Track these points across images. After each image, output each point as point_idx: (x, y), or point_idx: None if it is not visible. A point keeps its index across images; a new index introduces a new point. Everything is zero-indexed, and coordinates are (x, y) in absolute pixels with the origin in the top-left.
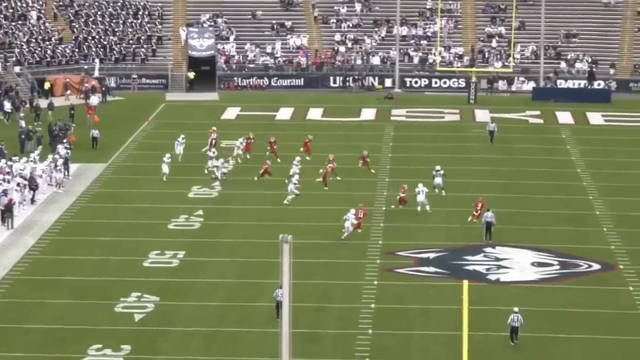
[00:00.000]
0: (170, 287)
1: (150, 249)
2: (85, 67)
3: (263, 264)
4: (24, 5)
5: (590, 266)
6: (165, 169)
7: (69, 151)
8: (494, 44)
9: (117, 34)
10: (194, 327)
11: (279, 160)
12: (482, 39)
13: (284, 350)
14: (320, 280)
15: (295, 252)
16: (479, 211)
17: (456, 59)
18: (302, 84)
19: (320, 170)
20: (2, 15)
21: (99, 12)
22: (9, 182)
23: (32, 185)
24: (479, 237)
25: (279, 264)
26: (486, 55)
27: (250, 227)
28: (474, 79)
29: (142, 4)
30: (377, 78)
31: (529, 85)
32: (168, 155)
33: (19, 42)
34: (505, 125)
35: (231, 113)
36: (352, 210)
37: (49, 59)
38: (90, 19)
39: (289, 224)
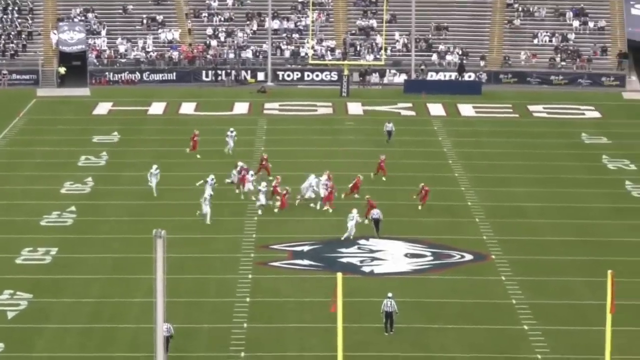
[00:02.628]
0: (43, 284)
1: (22, 246)
2: None
3: (137, 259)
4: None
5: (462, 257)
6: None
7: None
8: (365, 36)
9: None
10: (69, 323)
11: (198, 156)
12: (353, 32)
13: (158, 346)
14: (194, 275)
15: (168, 247)
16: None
17: (328, 52)
18: (175, 78)
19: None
20: None
21: None
22: None
23: None
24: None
25: (152, 259)
26: (358, 48)
27: (123, 222)
28: (346, 72)
29: None
30: (249, 72)
31: (401, 78)
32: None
33: None
34: (378, 118)
35: (103, 108)
36: (355, 210)
37: None
38: None
39: (162, 219)
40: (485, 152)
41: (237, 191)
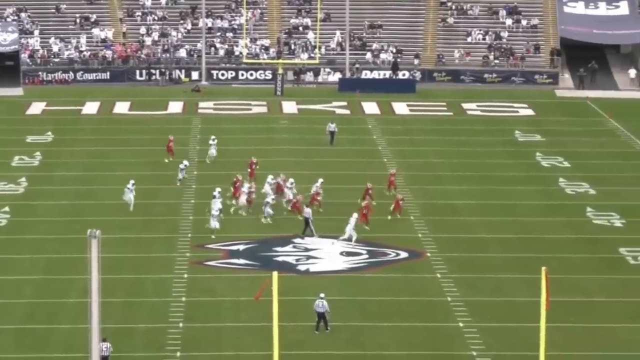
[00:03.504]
0: None
1: None
2: None
3: (71, 259)
4: None
5: (398, 254)
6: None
7: None
8: (299, 35)
9: None
10: (3, 324)
11: (171, 158)
12: (287, 30)
13: (93, 346)
14: (130, 275)
15: (103, 247)
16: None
17: (262, 50)
18: (108, 77)
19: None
20: None
21: None
22: None
23: None
24: (288, 229)
25: (87, 259)
26: (292, 47)
27: (58, 222)
28: (280, 71)
29: None
30: (183, 71)
31: (335, 77)
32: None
33: None
34: (312, 117)
35: (36, 108)
36: (355, 215)
37: None
38: None
39: (97, 219)
40: (420, 150)
41: (233, 202)
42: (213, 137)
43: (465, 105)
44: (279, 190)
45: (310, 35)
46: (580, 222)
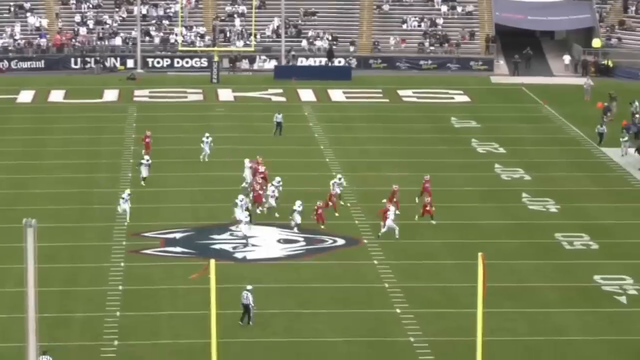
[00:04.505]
0: None
1: None
2: None
3: (6, 249)
4: None
5: (335, 241)
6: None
7: None
8: (235, 22)
9: None
10: None
11: (147, 157)
12: (223, 18)
13: (30, 336)
14: (66, 264)
15: (39, 236)
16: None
17: (198, 38)
18: (43, 66)
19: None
20: None
21: None
22: None
23: None
24: (225, 216)
25: (23, 249)
26: (228, 35)
27: None
28: (216, 59)
29: None
30: (118, 59)
31: (271, 64)
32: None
33: None
34: (248, 104)
35: None
36: (393, 208)
37: None
38: None
39: (32, 207)
40: (356, 137)
41: (258, 210)
42: (207, 134)
43: (401, 92)
44: (254, 174)
45: (239, 22)
46: (516, 208)
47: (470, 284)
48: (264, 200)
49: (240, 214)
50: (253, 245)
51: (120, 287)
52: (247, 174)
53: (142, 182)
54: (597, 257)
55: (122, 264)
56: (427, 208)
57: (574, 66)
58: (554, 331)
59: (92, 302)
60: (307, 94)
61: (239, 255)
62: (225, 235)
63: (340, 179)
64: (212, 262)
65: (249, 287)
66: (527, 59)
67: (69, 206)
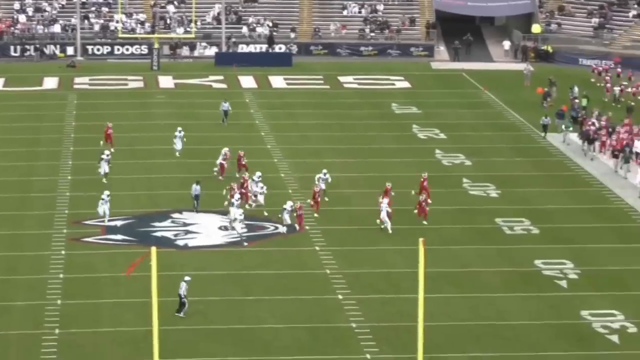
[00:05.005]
0: None
1: None
2: None
3: None
4: None
5: (276, 228)
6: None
7: None
8: (174, 9)
9: None
10: None
11: (112, 150)
12: (162, 5)
13: None
14: (6, 253)
15: None
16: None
17: (138, 25)
18: None
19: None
20: None
21: None
22: None
23: None
24: (167, 204)
25: None
26: (168, 22)
27: None
28: (156, 46)
29: None
30: (58, 46)
31: (212, 51)
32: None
33: None
34: (189, 91)
35: None
36: (386, 200)
37: None
38: None
39: None
40: (297, 124)
41: (247, 206)
42: (179, 128)
43: (341, 79)
44: (239, 168)
45: (177, 10)
46: (457, 193)
47: (412, 270)
48: (250, 195)
49: (236, 211)
50: (194, 232)
51: (61, 275)
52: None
53: (104, 180)
54: (538, 242)
55: (63, 252)
56: (422, 206)
57: (513, 52)
58: (496, 316)
59: (33, 291)
60: (247, 81)
61: (180, 242)
62: (167, 223)
63: (325, 173)
64: (153, 249)
65: (187, 277)
66: (468, 45)
67: (8, 194)
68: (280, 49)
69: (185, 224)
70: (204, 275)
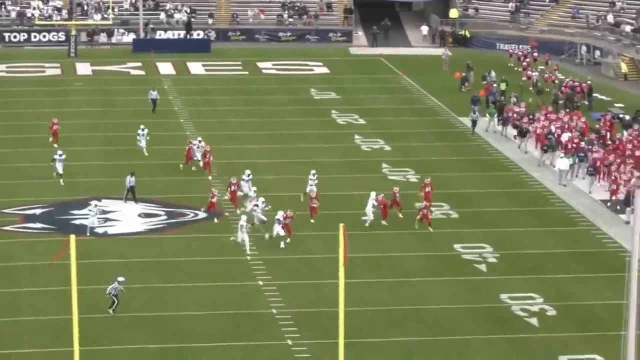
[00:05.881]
0: None
1: None
2: None
3: None
4: None
5: (196, 215)
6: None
7: None
8: None
9: None
10: None
11: (56, 145)
12: None
13: None
14: None
15: None
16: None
17: (55, 12)
18: None
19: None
20: None
21: None
22: None
23: None
24: (85, 191)
25: None
26: (85, 8)
27: None
28: (73, 32)
29: None
30: None
31: (129, 37)
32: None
33: None
34: (107, 78)
35: None
36: (374, 193)
37: None
38: None
39: None
40: (216, 110)
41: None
42: (142, 126)
43: (260, 65)
44: (205, 155)
45: None
46: (376, 179)
47: (332, 255)
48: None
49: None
50: (113, 220)
51: None
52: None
53: (61, 182)
54: (457, 226)
55: None
56: (425, 213)
57: (431, 37)
58: (417, 300)
59: None
60: (166, 67)
61: (99, 230)
62: (86, 211)
63: (314, 174)
64: (72, 237)
65: (120, 278)
66: (386, 30)
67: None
68: (198, 35)
69: (104, 212)
70: (124, 263)
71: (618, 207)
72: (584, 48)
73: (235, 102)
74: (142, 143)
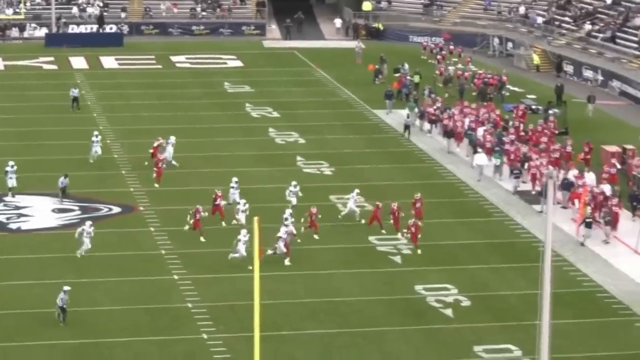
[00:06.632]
0: None
1: None
2: None
3: None
4: None
5: (110, 209)
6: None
7: None
8: None
9: None
10: None
11: None
12: None
13: None
14: None
15: None
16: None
17: None
18: None
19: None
20: None
21: None
22: None
23: None
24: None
25: None
26: None
27: None
28: None
29: None
30: None
31: (42, 32)
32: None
33: None
34: (19, 73)
35: None
36: (357, 190)
37: None
38: None
39: None
40: (130, 104)
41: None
42: (96, 132)
43: (174, 58)
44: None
45: None
46: (291, 171)
47: (248, 249)
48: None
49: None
50: (27, 215)
51: None
52: (168, 150)
53: (10, 195)
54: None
55: None
56: (414, 233)
57: (345, 30)
58: (332, 292)
59: None
60: (79, 62)
61: (13, 226)
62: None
63: (295, 186)
64: None
65: (66, 288)
66: (299, 23)
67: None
68: (111, 29)
69: (17, 207)
70: (38, 259)
71: (535, 197)
72: (496, 40)
73: (149, 96)
74: (98, 150)
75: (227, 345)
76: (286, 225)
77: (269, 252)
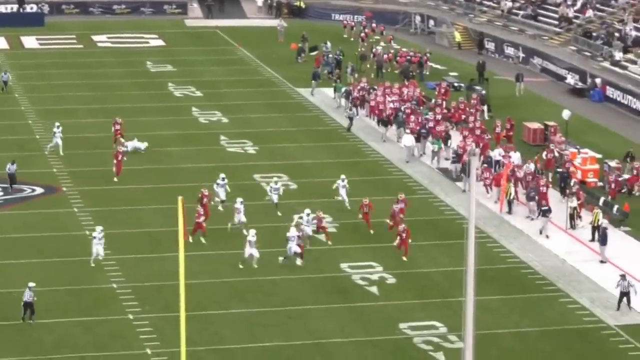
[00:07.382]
0: None
1: None
2: None
3: None
4: None
5: (33, 190)
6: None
7: None
8: None
9: None
10: None
11: None
12: None
13: None
14: None
15: None
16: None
17: None
18: None
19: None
20: None
21: None
22: None
23: None
24: None
25: None
26: None
27: None
28: None
29: None
30: None
31: None
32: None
33: None
34: None
35: None
36: (343, 175)
37: None
38: None
39: None
40: (52, 85)
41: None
42: (57, 124)
43: (95, 38)
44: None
45: None
46: (215, 151)
47: (172, 228)
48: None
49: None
50: None
51: None
52: (137, 143)
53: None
54: (296, 197)
55: None
56: (404, 239)
57: (267, 8)
58: (258, 271)
59: None
60: None
61: None
62: None
63: (276, 182)
64: None
65: (31, 284)
66: (221, 2)
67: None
68: (31, 8)
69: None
70: None
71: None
72: (418, 18)
73: (71, 76)
74: (59, 141)
75: (152, 326)
76: (299, 227)
77: (280, 259)
